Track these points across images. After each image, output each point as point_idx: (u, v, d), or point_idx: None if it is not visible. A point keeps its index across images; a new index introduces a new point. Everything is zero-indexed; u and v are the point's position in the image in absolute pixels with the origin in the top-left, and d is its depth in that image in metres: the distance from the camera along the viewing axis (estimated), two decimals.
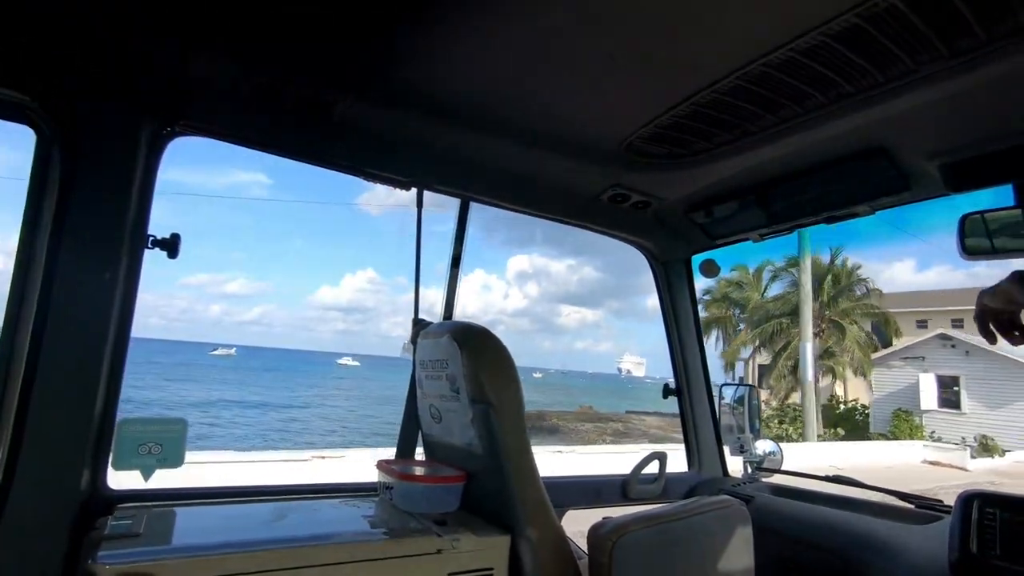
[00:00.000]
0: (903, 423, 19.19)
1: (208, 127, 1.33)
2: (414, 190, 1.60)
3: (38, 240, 1.13)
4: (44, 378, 1.08)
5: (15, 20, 1.06)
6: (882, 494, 1.85)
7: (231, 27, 1.12)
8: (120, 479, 1.27)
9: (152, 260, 1.29)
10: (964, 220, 1.40)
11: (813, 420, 18.57)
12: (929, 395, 20.75)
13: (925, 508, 1.66)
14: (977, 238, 1.40)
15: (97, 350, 1.14)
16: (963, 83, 1.08)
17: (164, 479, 1.30)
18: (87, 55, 1.13)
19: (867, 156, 1.40)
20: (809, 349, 18.12)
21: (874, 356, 22.46)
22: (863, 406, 22.00)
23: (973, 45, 1.00)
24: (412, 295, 1.64)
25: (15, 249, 1.16)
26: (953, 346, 20.41)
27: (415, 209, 1.62)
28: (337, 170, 1.50)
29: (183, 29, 1.12)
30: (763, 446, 2.23)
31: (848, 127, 1.29)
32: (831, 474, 2.02)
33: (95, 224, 1.15)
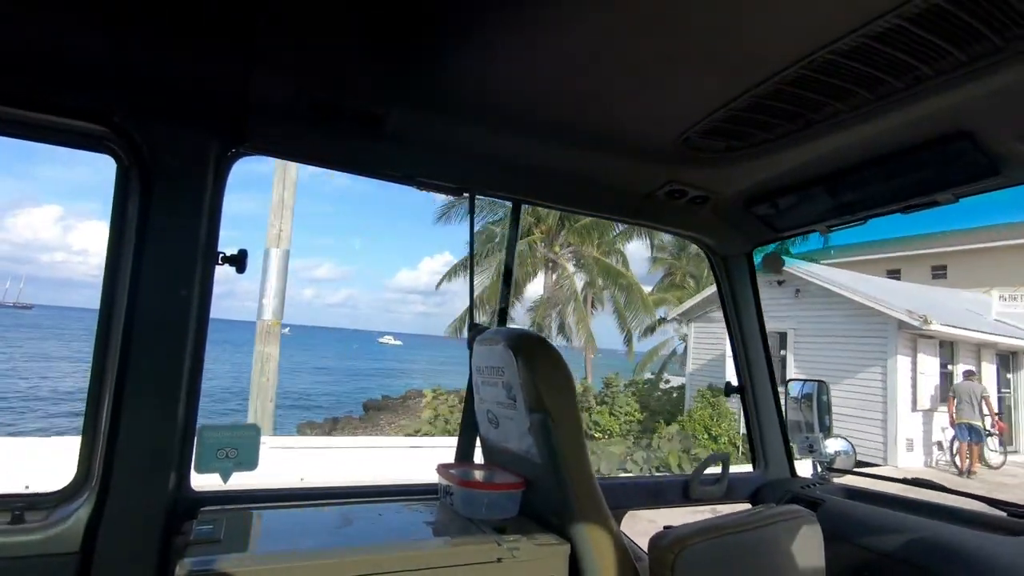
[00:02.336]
0: (704, 411, 13.04)
1: (269, 146, 1.39)
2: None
3: (122, 261, 1.22)
4: (132, 389, 1.16)
5: (89, 57, 1.13)
6: (970, 500, 1.72)
7: (287, 48, 1.16)
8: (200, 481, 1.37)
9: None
10: None
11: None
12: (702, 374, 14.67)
13: (1019, 517, 1.54)
14: None
15: (178, 361, 1.22)
16: None
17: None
18: (156, 85, 1.20)
19: (949, 141, 1.29)
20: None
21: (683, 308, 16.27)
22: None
23: None
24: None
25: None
26: (780, 282, 13.26)
27: None
28: (390, 180, 1.52)
29: (243, 53, 1.17)
30: (834, 445, 2.13)
31: (927, 112, 1.19)
32: (911, 477, 1.91)
33: (172, 244, 1.22)
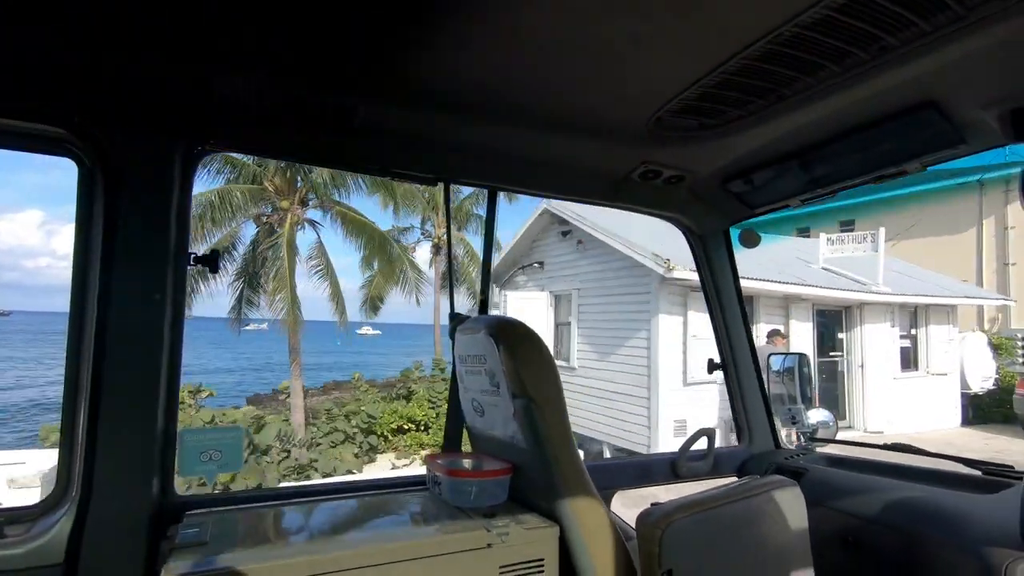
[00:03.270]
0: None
1: (236, 143, 1.36)
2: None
3: (90, 267, 1.19)
4: (109, 396, 1.15)
5: (47, 60, 1.10)
6: (946, 461, 1.77)
7: (250, 44, 1.13)
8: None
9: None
10: None
11: None
12: None
13: (993, 475, 1.59)
14: None
15: (154, 365, 1.20)
16: (1020, 25, 0.99)
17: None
18: (116, 87, 1.16)
19: (916, 111, 1.30)
20: None
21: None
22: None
23: None
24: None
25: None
26: (566, 233, 11.07)
27: None
28: (364, 172, 1.52)
29: (203, 52, 1.14)
30: (816, 416, 2.17)
31: (893, 82, 1.21)
32: (889, 442, 1.95)
33: (141, 247, 1.20)
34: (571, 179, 1.76)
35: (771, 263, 10.87)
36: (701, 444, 1.96)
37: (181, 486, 1.39)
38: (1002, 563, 1.23)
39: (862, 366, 11.46)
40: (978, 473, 1.62)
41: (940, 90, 1.23)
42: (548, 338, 11.47)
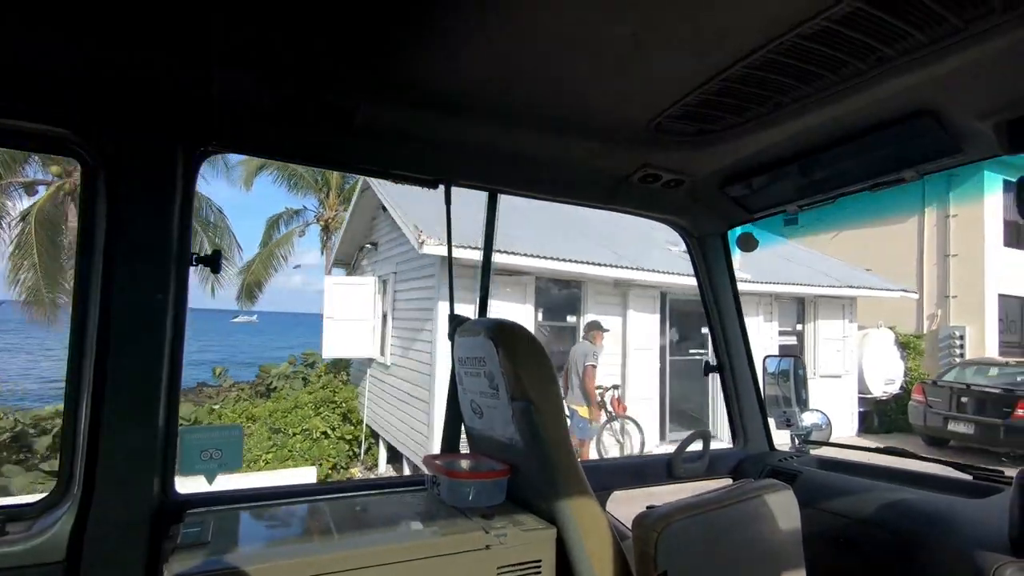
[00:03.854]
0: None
1: (237, 144, 1.37)
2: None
3: (93, 266, 1.20)
4: (111, 394, 1.15)
5: (50, 60, 1.10)
6: (937, 465, 1.80)
7: (251, 44, 1.14)
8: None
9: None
10: (1020, 182, 1.31)
11: None
12: (339, 338, 9.65)
13: (984, 480, 1.61)
14: None
15: (156, 364, 1.21)
16: (1018, 38, 1.00)
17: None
18: (118, 87, 1.17)
19: (913, 120, 1.32)
20: None
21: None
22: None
23: None
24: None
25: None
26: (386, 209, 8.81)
27: None
28: (363, 174, 1.52)
29: (206, 52, 1.14)
30: (810, 418, 2.19)
31: (891, 92, 1.22)
32: (883, 445, 1.97)
33: (143, 246, 1.20)
34: (572, 182, 1.77)
35: (608, 244, 9.24)
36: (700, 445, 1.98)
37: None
38: (991, 567, 1.25)
39: None
40: (969, 478, 1.64)
41: (937, 100, 1.25)
42: (377, 330, 9.83)
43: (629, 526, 1.27)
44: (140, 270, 1.20)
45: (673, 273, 8.73)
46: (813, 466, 1.95)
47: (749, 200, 1.85)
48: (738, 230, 2.06)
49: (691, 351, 9.87)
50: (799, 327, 11.08)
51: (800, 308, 11.05)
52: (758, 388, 2.15)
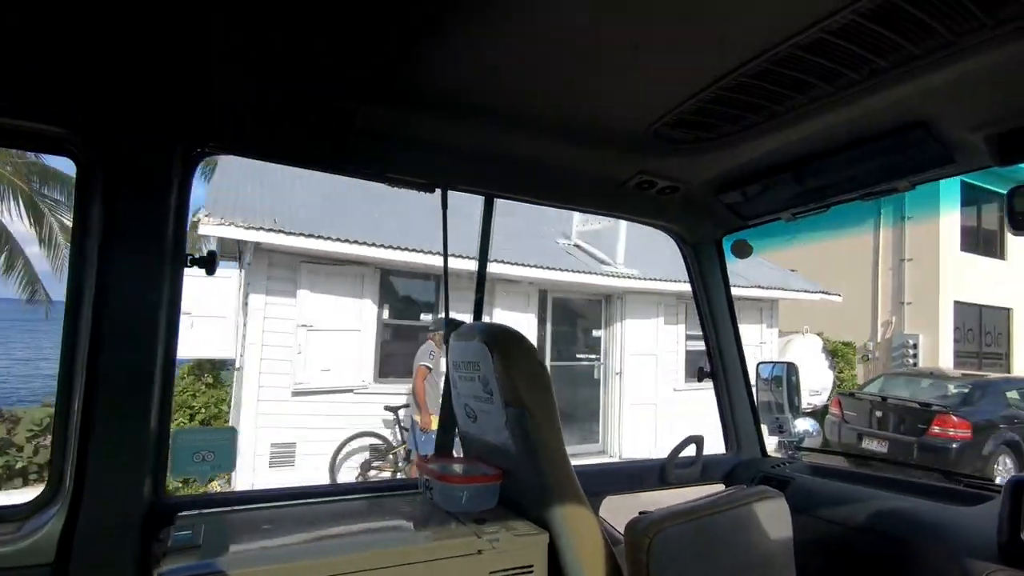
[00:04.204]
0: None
1: (235, 145, 1.37)
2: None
3: (87, 266, 1.20)
4: (103, 395, 1.15)
5: (47, 59, 1.10)
6: (929, 473, 1.81)
7: (250, 46, 1.14)
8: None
9: None
10: (1014, 193, 1.33)
11: None
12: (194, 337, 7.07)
13: (974, 488, 1.62)
14: None
15: (149, 366, 1.21)
16: (1007, 52, 1.02)
17: None
18: (116, 87, 1.17)
19: (906, 131, 1.33)
20: None
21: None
22: None
23: (1018, 13, 0.93)
24: None
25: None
26: None
27: None
28: (361, 178, 1.52)
29: (204, 54, 1.14)
30: (802, 425, 2.20)
31: (884, 103, 1.23)
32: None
33: (138, 247, 1.20)
34: (568, 187, 1.77)
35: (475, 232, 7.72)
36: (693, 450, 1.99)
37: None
38: (980, 574, 1.26)
39: (619, 374, 8.72)
40: (959, 486, 1.66)
41: (929, 112, 1.26)
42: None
43: (621, 530, 1.28)
44: (135, 270, 1.19)
45: (557, 269, 7.78)
46: (805, 472, 1.96)
47: (743, 208, 1.87)
48: (732, 237, 2.08)
49: (579, 355, 8.68)
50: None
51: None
52: (751, 394, 2.16)
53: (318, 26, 1.07)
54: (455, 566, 1.13)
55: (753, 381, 2.21)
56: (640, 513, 1.25)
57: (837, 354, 12.10)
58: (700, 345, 8.94)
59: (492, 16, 1.03)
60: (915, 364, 12.61)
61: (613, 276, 8.51)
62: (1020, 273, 14.99)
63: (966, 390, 7.98)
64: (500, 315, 7.94)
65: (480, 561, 1.15)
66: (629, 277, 8.61)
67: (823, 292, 10.96)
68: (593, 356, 8.90)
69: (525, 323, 8.10)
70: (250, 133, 1.37)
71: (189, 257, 1.32)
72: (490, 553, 1.16)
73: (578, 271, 8.18)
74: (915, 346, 13.04)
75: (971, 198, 13.41)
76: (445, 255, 1.66)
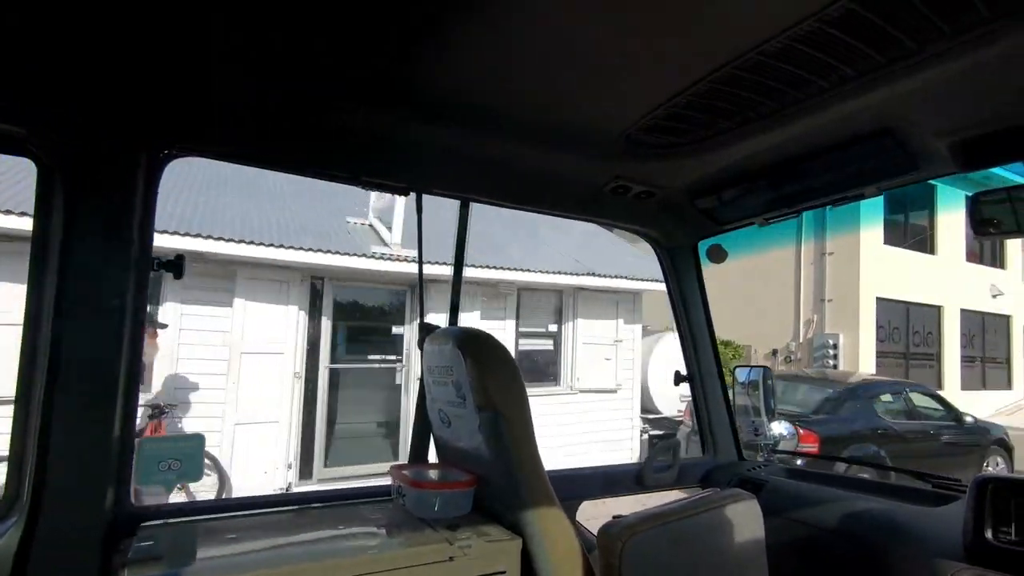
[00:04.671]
0: None
1: (204, 147, 1.34)
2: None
3: (47, 270, 1.16)
4: (64, 403, 1.11)
5: (6, 55, 1.07)
6: (900, 474, 1.84)
7: (216, 47, 1.12)
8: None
9: None
10: (974, 199, 1.36)
11: None
12: None
13: (941, 488, 1.65)
14: (991, 216, 1.37)
15: (112, 374, 1.17)
16: (969, 61, 1.04)
17: None
18: (79, 86, 1.14)
19: (873, 137, 1.36)
20: None
21: None
22: None
23: (977, 21, 0.96)
24: None
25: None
26: None
27: None
28: (334, 180, 1.50)
29: (170, 54, 1.12)
30: (778, 428, 2.22)
31: (852, 110, 1.26)
32: (846, 455, 2.01)
33: (101, 251, 1.17)
34: (544, 192, 1.77)
35: (220, 210, 6.87)
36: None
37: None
38: (946, 574, 1.28)
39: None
40: (928, 487, 1.68)
41: (895, 119, 1.29)
42: None
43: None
44: (96, 275, 1.16)
45: (332, 252, 6.43)
46: (780, 475, 1.98)
47: (718, 212, 1.89)
48: (708, 242, 2.10)
49: (371, 357, 7.33)
50: (553, 327, 8.38)
51: (558, 302, 8.38)
52: (727, 398, 2.18)
53: (289, 27, 1.06)
54: (427, 573, 1.11)
55: (730, 385, 2.23)
56: (614, 517, 1.24)
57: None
58: (535, 344, 7.95)
59: (466, 22, 1.03)
60: (835, 366, 11.96)
61: (384, 259, 6.82)
62: (952, 269, 14.41)
63: (832, 395, 6.76)
64: (251, 307, 6.35)
65: (452, 568, 1.13)
66: (405, 260, 6.89)
67: (639, 280, 8.72)
68: (392, 358, 7.42)
69: (281, 319, 6.52)
70: (219, 135, 1.35)
71: (156, 261, 1.29)
72: (462, 560, 1.14)
73: (354, 254, 6.64)
74: (835, 346, 12.24)
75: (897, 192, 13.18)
76: (420, 259, 1.65)
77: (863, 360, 12.25)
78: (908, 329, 13.98)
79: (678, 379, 2.19)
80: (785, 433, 2.23)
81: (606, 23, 1.01)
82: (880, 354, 12.97)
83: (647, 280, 8.70)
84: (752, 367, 2.31)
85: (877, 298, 12.95)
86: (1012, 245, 15.90)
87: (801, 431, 5.49)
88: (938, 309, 14.61)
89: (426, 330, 1.55)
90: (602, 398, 8.60)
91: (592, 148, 1.53)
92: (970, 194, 1.42)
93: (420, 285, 1.69)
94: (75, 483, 1.12)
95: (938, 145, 1.33)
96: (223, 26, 1.06)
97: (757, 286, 12.76)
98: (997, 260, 16.30)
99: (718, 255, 2.09)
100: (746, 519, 1.32)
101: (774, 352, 13.55)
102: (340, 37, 1.09)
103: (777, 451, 2.15)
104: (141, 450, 1.30)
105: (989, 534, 1.26)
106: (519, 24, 1.03)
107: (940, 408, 7.39)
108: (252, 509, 1.36)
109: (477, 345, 1.29)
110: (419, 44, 1.11)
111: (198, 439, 1.38)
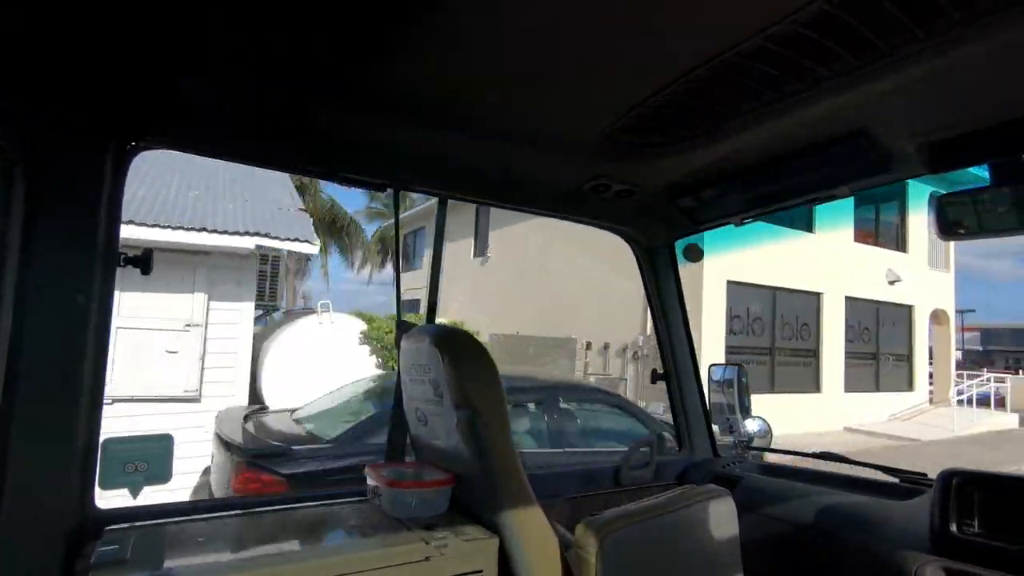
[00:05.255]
0: None
1: (173, 140, 1.31)
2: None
3: (7, 266, 1.11)
4: (23, 404, 1.07)
5: None
6: (869, 469, 1.88)
7: (187, 38, 1.09)
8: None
9: None
10: (939, 201, 1.39)
11: None
12: None
13: (908, 483, 1.69)
14: (954, 218, 1.41)
15: (76, 372, 1.13)
16: (939, 64, 1.07)
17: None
18: (41, 79, 1.10)
19: (847, 138, 1.38)
20: None
21: None
22: None
23: (947, 25, 0.98)
24: None
25: None
26: None
27: None
28: (310, 176, 1.48)
29: (140, 44, 1.09)
30: (752, 425, 2.26)
31: (826, 111, 1.28)
32: (819, 451, 2.05)
33: (65, 246, 1.13)
34: (523, 190, 1.77)
35: None
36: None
37: None
38: (913, 566, 1.31)
39: None
40: (896, 480, 1.73)
41: (868, 120, 1.31)
42: None
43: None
44: (59, 271, 1.12)
45: None
46: (754, 471, 2.01)
47: (696, 212, 1.91)
48: (684, 241, 2.12)
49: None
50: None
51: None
52: (703, 396, 2.21)
53: (265, 22, 1.04)
54: (402, 573, 1.10)
55: (705, 383, 2.25)
56: (591, 515, 1.25)
57: (376, 337, 8.06)
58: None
59: (443, 22, 1.02)
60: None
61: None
62: (835, 250, 12.31)
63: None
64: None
65: (428, 568, 1.12)
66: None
67: (259, 235, 6.14)
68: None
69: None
70: (189, 128, 1.31)
71: (123, 256, 1.25)
72: (438, 559, 1.13)
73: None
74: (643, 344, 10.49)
75: None
76: (397, 255, 1.63)
77: (707, 355, 9.66)
78: (775, 320, 11.85)
79: (654, 377, 2.21)
80: (760, 430, 2.26)
81: (582, 22, 1.01)
82: (733, 349, 10.92)
83: (225, 233, 5.97)
84: (727, 365, 2.34)
85: (728, 282, 10.83)
86: (916, 224, 14.20)
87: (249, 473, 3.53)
88: (817, 297, 12.40)
89: (403, 328, 1.53)
90: (163, 410, 5.88)
91: (571, 147, 1.53)
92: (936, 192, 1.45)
93: (397, 282, 1.67)
94: (36, 488, 1.08)
95: (908, 147, 1.37)
96: (194, 17, 1.03)
97: (610, 277, 10.43)
98: (897, 242, 14.40)
99: (694, 254, 2.12)
100: (721, 515, 1.34)
101: (605, 346, 11.87)
102: (314, 36, 1.07)
103: (751, 447, 2.19)
104: (105, 450, 1.25)
105: (954, 527, 1.30)
106: (495, 26, 1.03)
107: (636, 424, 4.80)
108: (223, 511, 1.33)
109: (455, 343, 1.28)
110: (394, 44, 1.10)
111: (166, 439, 1.34)
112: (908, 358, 14.75)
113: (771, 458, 2.37)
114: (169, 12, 1.01)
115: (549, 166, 1.64)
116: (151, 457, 1.29)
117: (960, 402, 15.16)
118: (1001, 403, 16.30)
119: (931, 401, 15.31)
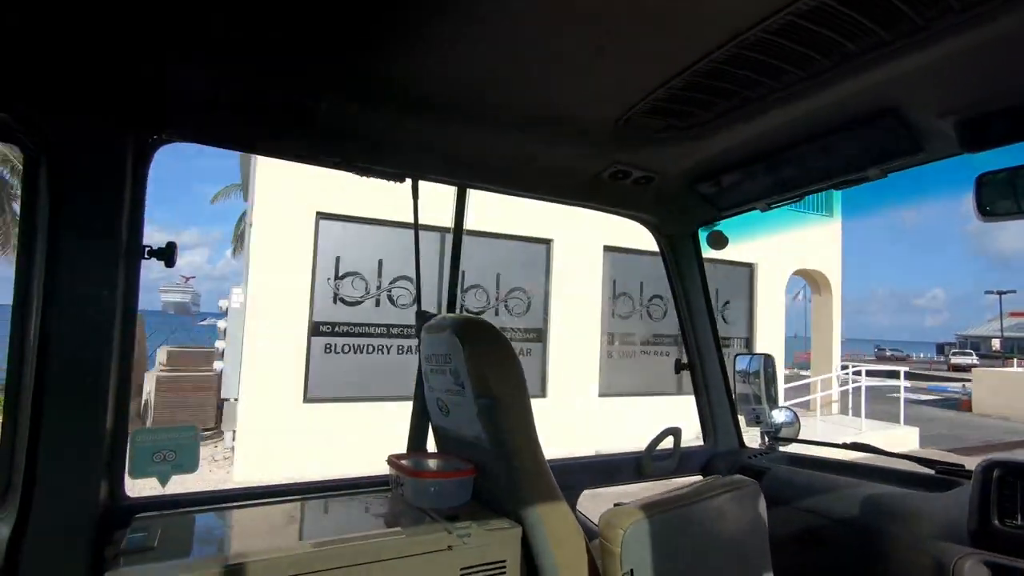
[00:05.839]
0: None
1: (194, 134, 1.32)
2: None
3: (35, 259, 1.14)
4: (54, 395, 1.09)
5: None
6: (903, 460, 1.82)
7: (209, 33, 1.09)
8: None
9: None
10: (980, 180, 1.33)
11: None
12: None
13: (946, 474, 1.64)
14: (997, 199, 1.35)
15: (103, 364, 1.15)
16: (976, 37, 1.01)
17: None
18: (64, 72, 1.11)
19: (877, 117, 1.33)
20: None
21: None
22: None
23: None
24: None
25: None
26: None
27: None
28: (328, 167, 1.47)
29: (160, 39, 1.09)
30: (779, 416, 2.21)
31: (855, 89, 1.23)
32: (849, 441, 2.00)
33: (90, 239, 1.15)
34: (542, 178, 1.75)
35: None
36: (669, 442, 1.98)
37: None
38: (951, 559, 1.27)
39: None
40: (932, 472, 1.67)
41: (899, 98, 1.26)
42: None
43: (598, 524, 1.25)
44: (86, 263, 1.14)
45: None
46: (782, 463, 1.97)
47: (718, 198, 1.86)
48: (708, 228, 2.07)
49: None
50: None
51: None
52: (728, 386, 2.16)
53: (280, 16, 1.03)
54: (425, 562, 1.10)
55: (731, 373, 2.21)
56: (615, 505, 1.23)
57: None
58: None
59: (457, 13, 1.00)
60: None
61: None
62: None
63: None
64: None
65: (451, 557, 1.12)
66: None
67: None
68: None
69: None
70: (208, 121, 1.32)
71: (147, 248, 1.27)
72: (461, 549, 1.13)
73: None
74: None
75: None
76: (417, 246, 1.63)
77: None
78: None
79: (678, 367, 2.17)
80: (788, 419, 2.21)
81: (596, 7, 0.98)
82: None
83: None
84: (754, 355, 2.29)
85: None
86: None
87: None
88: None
89: (423, 318, 1.52)
90: None
91: (589, 134, 1.50)
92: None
93: (417, 272, 1.66)
94: (67, 476, 1.10)
95: (942, 125, 1.30)
96: (217, 9, 1.03)
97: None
98: None
99: (719, 241, 2.07)
100: (748, 507, 1.31)
101: None
102: (327, 32, 1.07)
103: (779, 438, 2.14)
104: (134, 441, 1.28)
105: (995, 519, 1.25)
106: (511, 16, 1.01)
107: None
108: (249, 500, 1.34)
109: (475, 332, 1.27)
110: (410, 38, 1.09)
111: (192, 430, 1.36)
112: (748, 343, 10.08)
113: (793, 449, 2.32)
114: (191, 4, 1.01)
115: (567, 154, 1.61)
116: (179, 447, 1.31)
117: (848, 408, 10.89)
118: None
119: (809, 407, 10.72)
